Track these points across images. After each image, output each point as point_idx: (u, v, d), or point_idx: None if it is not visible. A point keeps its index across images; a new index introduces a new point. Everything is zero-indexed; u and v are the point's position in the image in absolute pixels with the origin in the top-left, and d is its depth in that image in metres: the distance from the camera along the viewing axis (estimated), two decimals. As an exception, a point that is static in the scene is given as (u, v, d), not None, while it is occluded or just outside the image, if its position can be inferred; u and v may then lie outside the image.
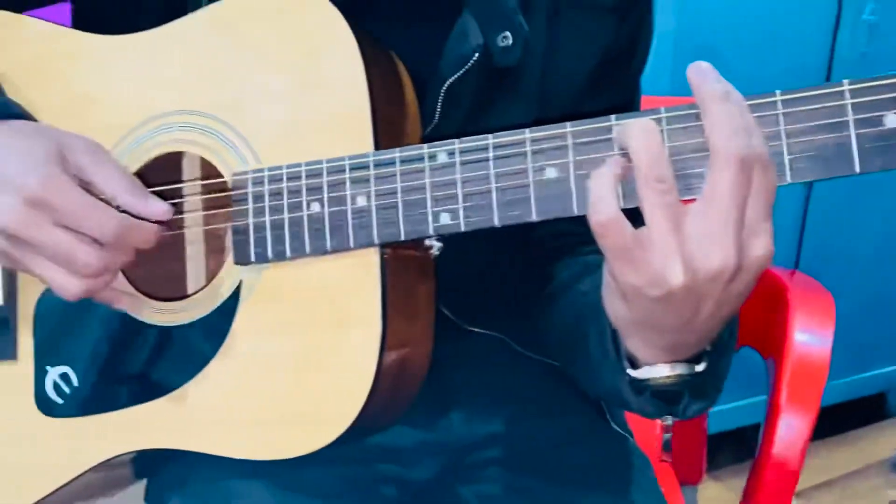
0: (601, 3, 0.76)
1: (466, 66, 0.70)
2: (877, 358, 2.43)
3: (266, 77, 0.68)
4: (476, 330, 0.77)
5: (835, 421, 2.27)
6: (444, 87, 0.71)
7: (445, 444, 0.80)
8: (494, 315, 0.77)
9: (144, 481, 0.81)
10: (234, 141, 0.69)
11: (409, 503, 0.78)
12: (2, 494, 0.74)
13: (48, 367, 0.74)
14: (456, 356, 0.74)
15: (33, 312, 0.75)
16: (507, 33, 0.70)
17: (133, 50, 0.73)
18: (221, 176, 0.69)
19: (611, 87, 0.79)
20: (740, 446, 2.05)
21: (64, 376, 0.73)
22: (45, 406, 0.74)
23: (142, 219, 0.65)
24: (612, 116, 0.57)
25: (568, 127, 0.58)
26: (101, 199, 0.65)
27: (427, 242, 0.67)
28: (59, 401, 0.73)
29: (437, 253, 0.68)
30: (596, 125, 0.57)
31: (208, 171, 0.71)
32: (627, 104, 0.81)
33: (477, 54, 0.70)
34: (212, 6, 0.70)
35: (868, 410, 2.58)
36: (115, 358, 0.72)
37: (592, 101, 0.77)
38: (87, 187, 0.64)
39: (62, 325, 0.74)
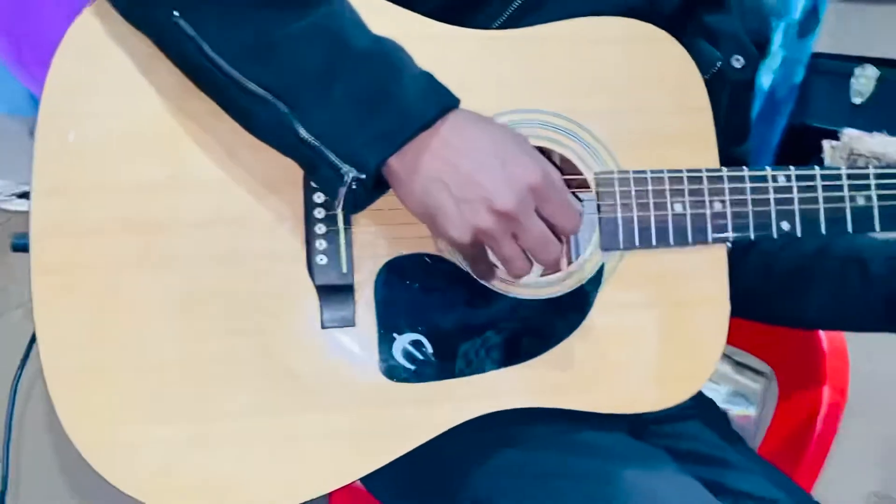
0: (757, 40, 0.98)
1: (710, 74, 0.86)
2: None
3: (621, 92, 0.81)
4: None
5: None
6: None
7: None
8: None
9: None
10: (594, 144, 0.81)
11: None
12: (345, 461, 0.75)
13: (396, 335, 0.77)
14: None
15: (374, 282, 0.77)
16: (740, 57, 0.91)
17: (480, 45, 0.79)
18: (577, 172, 0.81)
19: None
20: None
21: (416, 343, 0.77)
22: (393, 372, 0.76)
23: None
24: (900, 166, 0.84)
25: (871, 169, 0.83)
26: None
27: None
28: (411, 367, 0.77)
29: (730, 247, 0.87)
30: (890, 171, 0.84)
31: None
32: None
33: (720, 63, 0.87)
34: (568, 22, 0.81)
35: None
36: (475, 326, 0.78)
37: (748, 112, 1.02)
38: None
39: (410, 295, 0.77)
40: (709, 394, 1.77)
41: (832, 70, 2.21)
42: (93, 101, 0.74)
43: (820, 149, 2.04)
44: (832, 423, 1.08)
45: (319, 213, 0.75)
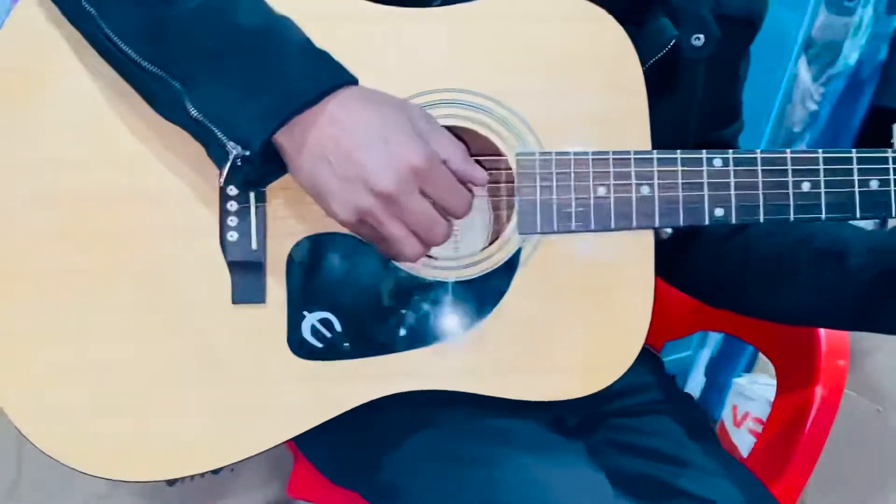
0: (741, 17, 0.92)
1: (663, 52, 0.82)
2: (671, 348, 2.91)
3: (552, 72, 0.78)
4: None
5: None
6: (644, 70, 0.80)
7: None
8: None
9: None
10: (518, 125, 0.78)
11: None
12: (249, 434, 0.77)
13: (305, 313, 0.78)
14: None
15: (286, 259, 0.78)
16: (701, 35, 0.85)
17: (411, 23, 0.77)
18: (497, 153, 0.79)
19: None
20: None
21: (324, 321, 0.78)
22: (301, 349, 0.77)
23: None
24: (854, 150, 0.77)
25: (819, 153, 0.77)
26: None
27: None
28: (319, 345, 0.77)
29: (666, 236, 0.83)
30: (842, 155, 0.77)
31: (479, 147, 0.80)
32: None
33: (673, 41, 0.82)
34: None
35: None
36: (385, 307, 0.78)
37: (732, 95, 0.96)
38: None
39: (322, 274, 0.78)
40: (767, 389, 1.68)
41: (918, 49, 2.05)
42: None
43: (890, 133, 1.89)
44: (824, 425, 1.01)
45: (232, 190, 0.77)
